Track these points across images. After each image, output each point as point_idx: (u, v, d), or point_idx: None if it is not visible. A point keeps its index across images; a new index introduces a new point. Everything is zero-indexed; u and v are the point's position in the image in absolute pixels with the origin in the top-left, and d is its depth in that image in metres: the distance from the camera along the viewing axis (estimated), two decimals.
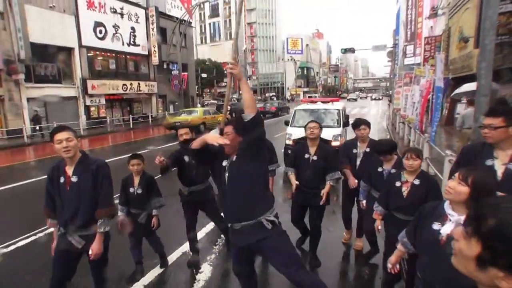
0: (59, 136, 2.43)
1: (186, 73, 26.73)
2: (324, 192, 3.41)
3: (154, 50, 24.57)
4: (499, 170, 2.04)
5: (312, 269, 3.50)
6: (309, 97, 31.75)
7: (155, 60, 24.55)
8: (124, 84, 22.29)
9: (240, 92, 2.66)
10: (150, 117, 23.46)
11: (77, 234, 2.48)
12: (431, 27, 25.21)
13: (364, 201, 3.45)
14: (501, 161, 2.07)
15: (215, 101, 37.14)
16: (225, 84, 47.46)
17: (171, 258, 3.79)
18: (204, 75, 38.48)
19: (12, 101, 15.15)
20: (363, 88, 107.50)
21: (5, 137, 14.62)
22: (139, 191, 3.39)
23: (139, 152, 3.61)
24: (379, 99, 57.05)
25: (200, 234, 4.29)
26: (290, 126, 8.08)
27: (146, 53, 24.41)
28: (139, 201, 3.39)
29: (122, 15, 22.81)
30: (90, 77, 20.23)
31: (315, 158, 3.53)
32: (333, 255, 3.83)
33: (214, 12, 63.52)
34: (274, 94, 53.65)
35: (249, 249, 2.38)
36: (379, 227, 2.89)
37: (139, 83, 23.50)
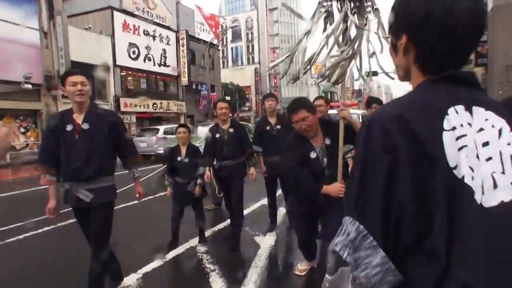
0: (74, 78, 2.36)
1: (215, 94, 27.32)
2: None
3: (184, 71, 25.33)
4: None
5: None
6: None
7: (184, 80, 25.26)
8: (154, 103, 22.91)
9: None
10: None
11: (84, 188, 2.37)
12: None
13: None
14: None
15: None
16: (247, 108, 48.14)
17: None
18: (227, 98, 39.20)
19: (50, 115, 15.71)
20: None
21: None
22: (186, 160, 3.66)
23: None
24: None
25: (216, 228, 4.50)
26: None
27: (176, 73, 25.19)
28: (186, 170, 3.66)
29: (154, 37, 23.87)
30: (122, 95, 20.92)
31: (278, 127, 4.11)
32: None
33: (236, 36, 65.62)
34: None
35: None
36: None
37: (168, 103, 24.13)
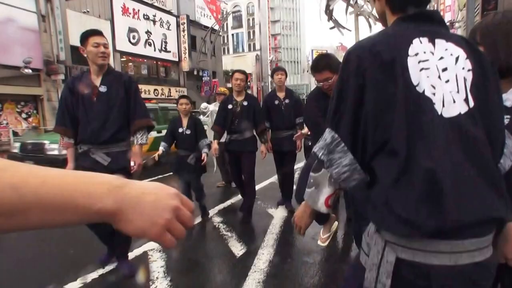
0: (97, 39, 2.32)
1: (216, 80, 27.25)
2: (297, 138, 3.91)
3: (185, 57, 25.20)
4: None
5: (289, 211, 3.99)
6: None
7: (185, 66, 25.13)
8: (155, 89, 22.88)
9: None
10: None
11: (102, 152, 2.36)
12: None
13: None
14: None
15: None
16: None
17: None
18: (229, 85, 39.07)
19: (51, 101, 15.72)
20: None
21: None
22: (188, 132, 3.62)
23: None
24: None
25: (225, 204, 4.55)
26: None
27: (177, 59, 25.07)
28: (188, 142, 3.63)
29: (154, 21, 23.63)
30: None
31: (287, 101, 4.09)
32: None
33: (237, 23, 64.98)
34: None
35: None
36: None
37: (169, 89, 24.07)
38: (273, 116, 4.11)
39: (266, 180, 5.57)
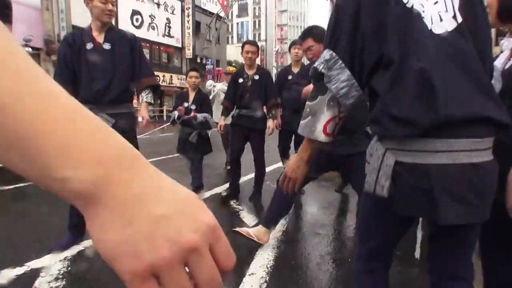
0: None
1: (220, 68, 27.18)
2: None
3: (188, 43, 25.11)
4: None
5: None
6: None
7: (188, 53, 25.07)
8: (157, 76, 22.75)
9: None
10: None
11: (106, 112, 2.30)
12: None
13: None
14: None
15: None
16: None
17: None
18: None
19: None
20: None
21: None
22: (193, 107, 3.51)
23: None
24: None
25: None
26: None
27: (180, 45, 24.99)
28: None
29: (158, 5, 23.51)
30: None
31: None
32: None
33: (243, 11, 64.62)
34: None
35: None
36: None
37: (171, 76, 24.03)
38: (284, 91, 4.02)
39: (275, 164, 5.58)
